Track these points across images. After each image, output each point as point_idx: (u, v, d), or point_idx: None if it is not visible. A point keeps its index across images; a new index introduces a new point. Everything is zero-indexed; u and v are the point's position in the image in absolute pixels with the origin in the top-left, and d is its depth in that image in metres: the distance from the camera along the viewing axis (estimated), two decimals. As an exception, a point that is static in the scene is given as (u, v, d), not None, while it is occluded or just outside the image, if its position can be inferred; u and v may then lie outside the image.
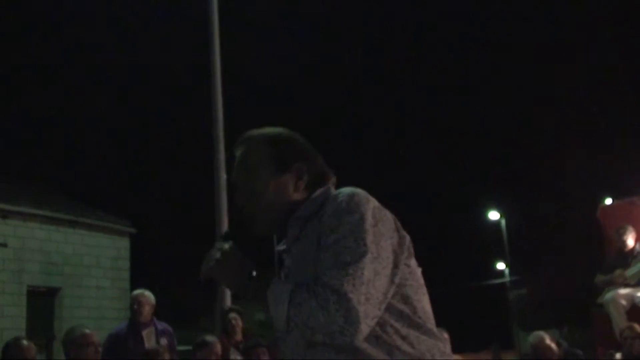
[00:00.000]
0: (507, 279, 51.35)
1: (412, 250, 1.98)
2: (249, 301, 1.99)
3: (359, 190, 1.95)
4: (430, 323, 1.96)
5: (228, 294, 10.58)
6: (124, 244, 18.92)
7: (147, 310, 7.00)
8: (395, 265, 1.88)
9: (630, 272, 8.24)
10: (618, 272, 8.33)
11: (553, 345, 6.78)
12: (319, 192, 2.07)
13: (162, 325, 7.10)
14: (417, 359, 1.85)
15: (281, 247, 2.14)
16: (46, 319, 16.32)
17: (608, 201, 9.92)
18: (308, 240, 1.95)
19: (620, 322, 7.84)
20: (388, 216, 1.95)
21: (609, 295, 8.27)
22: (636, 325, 6.93)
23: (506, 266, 51.22)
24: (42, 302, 16.54)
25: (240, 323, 7.71)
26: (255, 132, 2.19)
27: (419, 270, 2.01)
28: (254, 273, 1.99)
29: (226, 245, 2.04)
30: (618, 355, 7.33)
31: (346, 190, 1.97)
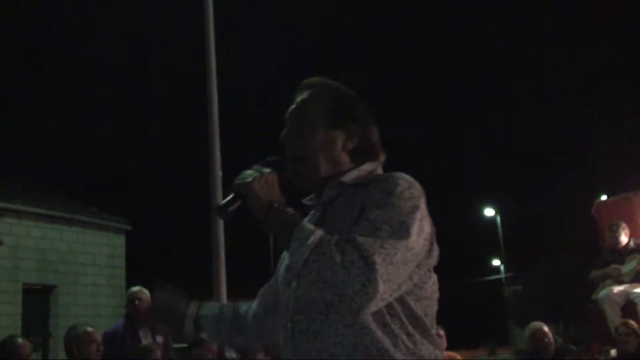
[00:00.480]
0: (502, 275, 51.45)
1: (437, 254, 1.95)
2: (268, 230, 1.88)
3: (415, 181, 1.91)
4: (435, 330, 1.94)
5: (224, 291, 10.58)
6: (119, 241, 18.89)
7: (146, 307, 6.99)
8: (419, 266, 1.84)
9: (625, 269, 8.26)
10: (613, 266, 8.35)
11: (550, 334, 6.81)
12: (367, 165, 2.02)
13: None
14: (418, 357, 1.82)
15: (308, 201, 2.10)
16: (42, 317, 16.30)
17: (603, 198, 9.91)
18: (347, 207, 1.90)
19: (615, 319, 7.87)
20: (429, 220, 1.90)
21: (603, 292, 8.29)
22: (631, 322, 6.95)
23: (501, 263, 51.32)
24: (37, 300, 16.51)
25: None
26: (321, 80, 2.13)
27: (436, 280, 1.98)
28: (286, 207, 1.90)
29: (266, 170, 1.95)
30: (613, 352, 7.35)
31: (405, 175, 1.91)
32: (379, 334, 1.78)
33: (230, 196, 1.93)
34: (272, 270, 2.19)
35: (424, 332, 1.86)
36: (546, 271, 41.08)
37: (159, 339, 6.82)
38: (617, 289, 8.22)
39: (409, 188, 1.86)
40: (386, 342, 1.78)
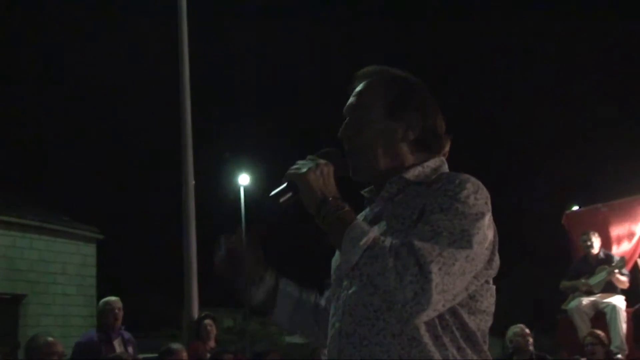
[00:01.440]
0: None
1: (497, 265, 1.82)
2: (320, 225, 1.75)
3: (482, 185, 1.79)
4: (487, 345, 1.81)
5: (196, 301, 10.51)
6: (90, 250, 18.70)
7: (121, 318, 6.95)
8: (476, 277, 1.73)
9: (594, 280, 8.35)
10: (582, 281, 8.44)
11: (531, 337, 6.85)
12: (432, 162, 1.89)
13: (127, 334, 7.05)
14: None
15: (367, 193, 1.99)
16: (11, 327, 16.06)
17: (574, 208, 10.02)
18: (407, 207, 1.78)
19: (584, 329, 7.94)
20: (493, 228, 1.78)
21: (573, 302, 8.37)
22: (597, 331, 7.03)
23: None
24: (6, 310, 16.27)
25: (215, 330, 7.72)
26: (380, 67, 2.00)
27: (494, 291, 1.87)
28: (340, 202, 1.77)
29: (322, 161, 1.84)
30: (582, 361, 7.42)
31: (472, 179, 1.78)
32: (429, 346, 1.69)
33: (283, 185, 1.82)
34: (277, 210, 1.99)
35: (475, 347, 1.76)
36: (518, 281, 41.39)
37: (130, 349, 6.78)
38: (587, 299, 8.31)
39: (475, 193, 1.74)
40: (436, 356, 1.69)
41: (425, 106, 1.93)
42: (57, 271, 17.46)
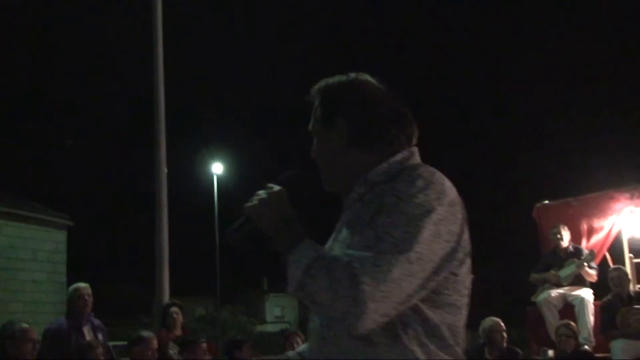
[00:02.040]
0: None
1: (467, 258, 1.85)
2: (276, 249, 1.86)
3: (438, 179, 1.81)
4: (456, 339, 1.81)
5: (167, 289, 10.49)
6: (61, 237, 18.57)
7: (91, 304, 6.91)
8: (436, 272, 1.74)
9: (563, 273, 8.44)
10: (552, 272, 8.52)
11: (505, 331, 6.86)
12: (398, 156, 1.92)
13: (96, 321, 7.01)
14: None
15: (345, 197, 2.04)
16: (-21, 313, 15.92)
17: (544, 202, 10.08)
18: (369, 206, 1.84)
19: (553, 321, 8.03)
20: (458, 216, 1.81)
21: (542, 295, 8.45)
22: (572, 323, 7.10)
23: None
24: (-26, 296, 16.15)
25: (180, 318, 7.68)
26: (322, 83, 2.07)
27: (469, 280, 1.88)
28: (291, 227, 1.87)
29: (275, 188, 1.93)
30: (550, 352, 7.49)
31: (427, 172, 1.82)
32: (382, 348, 1.74)
33: (241, 219, 1.95)
34: (216, 269, 2.14)
35: (442, 342, 1.77)
36: (488, 273, 41.72)
37: (100, 336, 6.75)
38: (556, 292, 8.39)
39: (425, 189, 1.76)
40: (387, 356, 1.73)
41: (348, 107, 1.97)
42: (27, 257, 17.32)
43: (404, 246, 1.68)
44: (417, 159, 1.96)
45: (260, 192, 1.94)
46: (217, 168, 32.04)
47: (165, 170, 10.75)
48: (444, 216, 1.75)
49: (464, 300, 1.84)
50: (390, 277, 1.65)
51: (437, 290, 1.76)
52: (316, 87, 2.06)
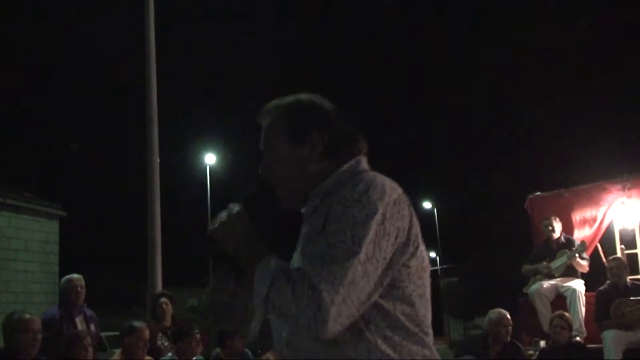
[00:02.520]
0: (438, 267, 52.18)
1: (419, 250, 1.94)
2: (243, 267, 1.96)
3: (378, 181, 1.92)
4: (421, 328, 1.91)
5: (160, 280, 10.48)
6: (53, 227, 18.53)
7: (84, 295, 6.92)
8: (389, 267, 1.85)
9: (555, 264, 8.46)
10: (543, 264, 8.55)
11: (509, 325, 6.79)
12: (346, 166, 2.04)
13: (89, 311, 7.02)
14: None
15: (304, 210, 2.13)
16: (-29, 304, 15.89)
17: (536, 193, 10.10)
18: (321, 216, 1.94)
19: (545, 312, 8.06)
20: (403, 213, 1.91)
21: (534, 286, 8.48)
22: (566, 315, 7.12)
23: (437, 255, 52.05)
24: (-33, 286, 16.11)
25: (170, 308, 7.66)
26: (275, 102, 2.15)
27: (425, 273, 1.97)
28: (253, 245, 1.98)
29: (235, 208, 2.03)
30: (542, 343, 7.52)
31: (367, 177, 1.94)
32: (348, 346, 1.83)
33: (209, 242, 2.04)
34: (208, 260, 2.22)
35: (406, 332, 1.87)
36: (481, 264, 41.88)
37: (92, 326, 6.75)
38: (548, 283, 8.42)
39: (366, 192, 1.87)
40: (354, 354, 1.83)
41: (322, 121, 2.07)
42: (19, 248, 17.29)
43: (354, 249, 1.78)
44: (363, 166, 2.07)
45: (222, 214, 2.04)
46: (210, 159, 32.02)
47: (158, 160, 10.74)
48: (389, 214, 1.85)
49: (420, 290, 1.92)
50: (346, 281, 1.75)
51: (393, 283, 1.86)
52: (270, 104, 2.15)
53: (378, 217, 1.83)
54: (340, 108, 2.14)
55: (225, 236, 1.99)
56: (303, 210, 2.12)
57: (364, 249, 1.78)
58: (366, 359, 1.82)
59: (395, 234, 1.86)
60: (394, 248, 1.85)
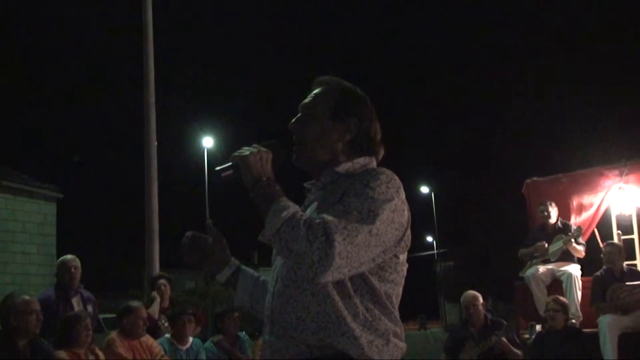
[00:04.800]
0: (435, 251, 52.32)
1: (406, 250, 2.17)
2: (254, 199, 2.09)
3: (397, 179, 2.12)
4: (396, 311, 2.15)
5: (157, 262, 10.50)
6: (50, 209, 18.53)
7: (79, 276, 6.92)
8: (385, 252, 2.06)
9: (551, 248, 8.48)
10: (540, 243, 8.56)
11: (481, 301, 6.92)
12: (361, 159, 2.25)
13: (87, 293, 7.03)
14: (372, 330, 2.05)
15: (308, 185, 2.32)
16: (-32, 285, 15.90)
17: (534, 178, 10.11)
18: (334, 193, 2.13)
19: (540, 296, 8.08)
20: (406, 213, 2.13)
21: (530, 270, 8.50)
22: (561, 298, 7.13)
23: (434, 239, 52.18)
24: (-36, 268, 16.12)
25: (168, 290, 7.70)
26: (335, 78, 2.37)
27: (405, 268, 2.20)
28: (273, 184, 2.12)
29: (264, 149, 2.18)
30: (538, 327, 7.55)
31: (388, 172, 2.13)
32: (340, 304, 2.03)
33: (228, 164, 2.19)
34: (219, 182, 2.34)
35: (385, 309, 2.10)
36: (477, 248, 41.95)
37: (89, 308, 6.76)
38: (544, 267, 8.44)
39: (387, 183, 2.07)
40: (344, 312, 2.03)
41: (364, 114, 2.29)
42: (17, 229, 17.29)
43: (369, 220, 1.98)
44: (374, 165, 2.28)
45: (250, 147, 2.19)
46: (208, 142, 32.00)
47: (155, 142, 10.73)
48: (399, 208, 2.08)
49: (399, 280, 2.17)
50: (355, 241, 1.94)
51: (382, 266, 2.09)
52: (330, 78, 2.37)
53: (392, 205, 2.05)
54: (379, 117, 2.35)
55: (251, 167, 2.13)
56: (307, 184, 2.32)
57: (376, 224, 1.99)
58: (350, 320, 2.02)
59: (397, 227, 2.07)
60: (393, 238, 2.07)
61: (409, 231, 2.15)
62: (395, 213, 2.06)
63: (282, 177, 2.17)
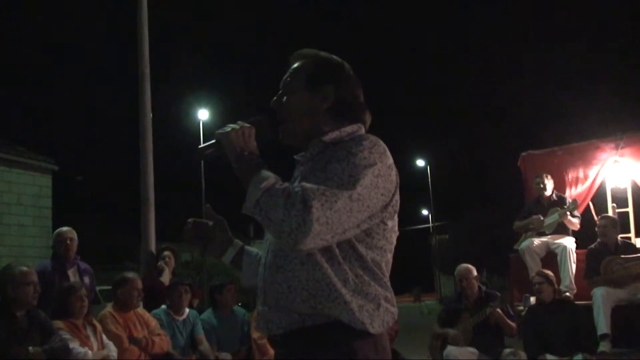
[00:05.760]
0: (430, 224, 52.46)
1: (395, 216, 2.18)
2: (236, 173, 2.14)
3: (381, 144, 2.13)
4: (386, 278, 2.16)
5: (153, 234, 10.50)
6: (45, 181, 18.49)
7: (75, 248, 6.94)
8: (371, 217, 2.07)
9: (546, 221, 8.50)
10: (535, 217, 8.58)
11: (474, 273, 6.99)
12: (349, 127, 2.24)
13: (84, 264, 7.04)
14: (363, 295, 2.08)
15: (298, 157, 2.32)
16: (-36, 257, 15.91)
17: (530, 151, 10.11)
18: (320, 163, 2.13)
19: (535, 268, 8.12)
20: (392, 179, 2.13)
21: (525, 243, 8.53)
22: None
23: (430, 212, 52.30)
24: (-41, 239, 16.12)
25: (173, 262, 7.73)
26: (309, 50, 2.38)
27: (395, 235, 2.21)
28: (255, 158, 2.16)
29: (246, 125, 2.22)
30: (532, 299, 7.59)
31: (371, 138, 2.13)
32: (330, 271, 2.05)
33: (211, 141, 2.24)
34: (201, 216, 2.47)
35: (374, 275, 2.11)
36: (472, 221, 42.10)
37: (86, 280, 6.78)
38: (538, 240, 8.48)
39: (370, 149, 2.07)
40: (334, 279, 2.05)
41: (340, 81, 2.29)
42: (12, 202, 17.27)
43: (349, 186, 1.98)
44: (363, 132, 2.27)
45: (232, 124, 2.23)
46: (203, 114, 31.92)
47: (150, 115, 10.68)
48: (383, 173, 2.08)
49: (388, 247, 2.18)
50: (334, 207, 1.95)
51: (369, 233, 2.11)
52: (305, 51, 2.38)
53: (375, 170, 2.05)
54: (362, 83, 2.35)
55: (232, 142, 2.18)
56: (297, 156, 2.32)
57: (357, 189, 1.99)
58: (340, 286, 2.05)
59: (383, 192, 2.07)
60: (379, 204, 2.07)
61: (397, 197, 2.16)
62: (380, 178, 2.06)
63: (275, 154, 2.21)
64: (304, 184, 1.99)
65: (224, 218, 2.51)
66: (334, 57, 2.36)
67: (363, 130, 2.28)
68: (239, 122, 2.24)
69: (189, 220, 2.50)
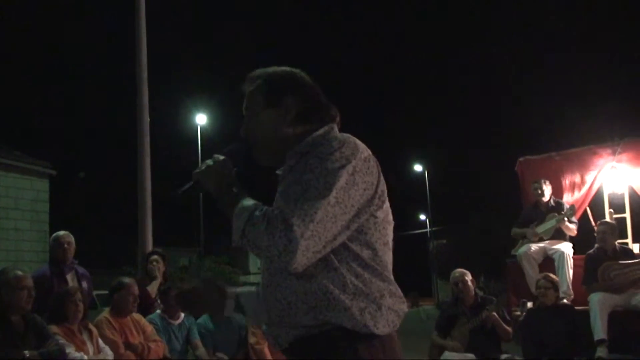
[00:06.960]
0: (428, 229, 52.44)
1: (384, 205, 2.17)
2: (221, 208, 2.20)
3: (352, 140, 2.14)
4: (387, 270, 2.17)
5: (150, 239, 10.50)
6: (43, 185, 18.46)
7: (72, 252, 6.92)
8: (358, 215, 2.07)
9: (544, 227, 8.51)
10: (530, 229, 8.59)
11: (470, 278, 6.99)
12: (321, 130, 2.24)
13: (81, 269, 7.03)
14: (364, 297, 2.07)
15: (279, 171, 2.32)
16: (-39, 261, 15.87)
17: (527, 156, 10.12)
18: (297, 174, 2.12)
19: (532, 274, 8.12)
20: (372, 170, 2.13)
21: (522, 249, 8.53)
22: (551, 275, 7.16)
23: (428, 217, 52.28)
24: (-43, 244, 16.07)
25: (161, 267, 7.68)
26: (258, 70, 2.39)
27: (390, 225, 2.21)
28: (234, 189, 2.21)
29: (221, 157, 2.28)
30: (529, 304, 7.59)
31: (339, 136, 2.17)
32: (326, 279, 2.05)
33: (190, 183, 2.30)
34: (199, 218, 2.38)
35: (373, 271, 2.11)
36: (470, 226, 42.10)
37: (84, 284, 6.76)
38: (536, 245, 8.48)
39: (340, 148, 2.08)
40: (331, 287, 2.05)
41: (295, 88, 2.30)
42: (9, 206, 17.24)
43: (325, 192, 1.99)
44: (336, 132, 2.26)
45: (208, 160, 2.29)
46: (201, 119, 31.91)
47: (148, 119, 10.68)
48: (360, 168, 2.08)
49: (384, 239, 2.17)
50: (315, 218, 1.96)
51: (361, 230, 2.10)
52: (254, 73, 2.39)
53: (349, 168, 2.05)
54: (315, 81, 2.36)
55: (210, 179, 2.24)
56: (279, 171, 2.30)
57: (334, 193, 2.00)
58: (341, 289, 2.05)
59: (364, 186, 2.08)
60: (363, 199, 2.08)
61: (382, 186, 2.16)
62: (357, 174, 2.06)
63: (266, 171, 2.25)
64: (281, 204, 2.02)
65: (213, 276, 2.48)
66: (282, 68, 2.38)
67: (336, 130, 2.28)
68: (215, 155, 2.30)
69: (172, 293, 2.49)
